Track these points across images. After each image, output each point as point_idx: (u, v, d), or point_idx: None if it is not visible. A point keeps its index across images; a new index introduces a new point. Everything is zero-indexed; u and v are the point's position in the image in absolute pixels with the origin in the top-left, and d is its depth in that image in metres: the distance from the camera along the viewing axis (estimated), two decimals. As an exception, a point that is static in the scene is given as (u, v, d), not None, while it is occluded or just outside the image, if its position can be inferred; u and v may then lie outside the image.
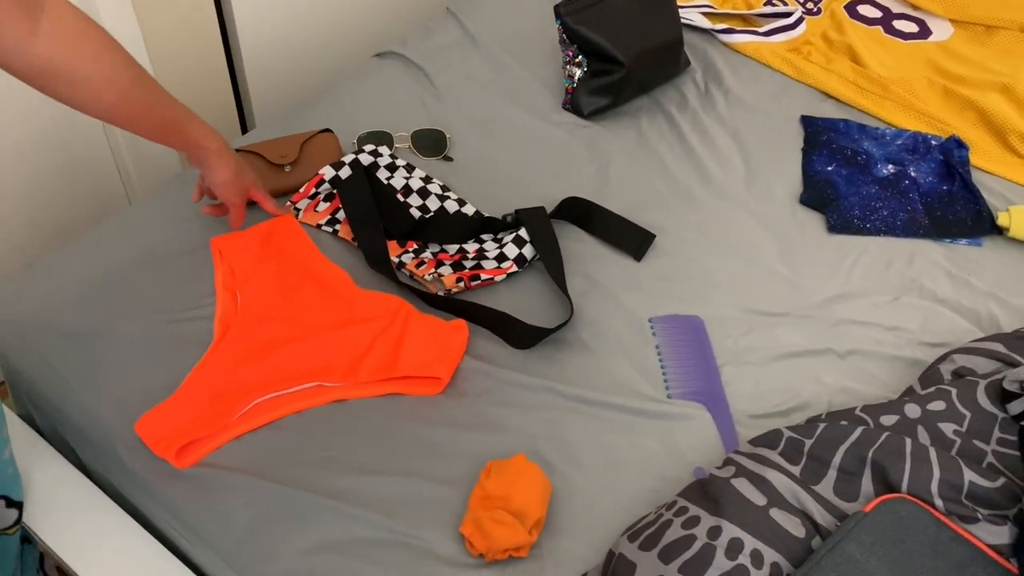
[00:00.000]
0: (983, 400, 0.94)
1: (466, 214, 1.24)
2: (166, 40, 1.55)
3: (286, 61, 1.78)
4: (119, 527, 0.99)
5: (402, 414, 1.03)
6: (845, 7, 1.68)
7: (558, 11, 1.38)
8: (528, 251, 1.19)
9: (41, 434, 1.12)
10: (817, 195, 1.32)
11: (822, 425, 0.93)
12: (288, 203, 1.25)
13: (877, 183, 1.34)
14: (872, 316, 1.17)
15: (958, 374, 1.01)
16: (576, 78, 1.42)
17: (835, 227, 1.28)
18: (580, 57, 1.41)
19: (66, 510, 1.00)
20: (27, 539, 1.08)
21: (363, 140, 1.34)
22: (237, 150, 1.28)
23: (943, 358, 1.04)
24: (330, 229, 1.22)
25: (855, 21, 1.64)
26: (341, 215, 1.23)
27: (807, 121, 1.44)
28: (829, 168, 1.36)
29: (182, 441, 0.97)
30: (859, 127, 1.43)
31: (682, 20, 1.61)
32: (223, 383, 1.02)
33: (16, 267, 1.50)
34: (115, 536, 0.98)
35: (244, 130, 1.80)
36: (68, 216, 1.56)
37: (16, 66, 0.83)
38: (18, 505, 0.94)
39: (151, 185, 1.62)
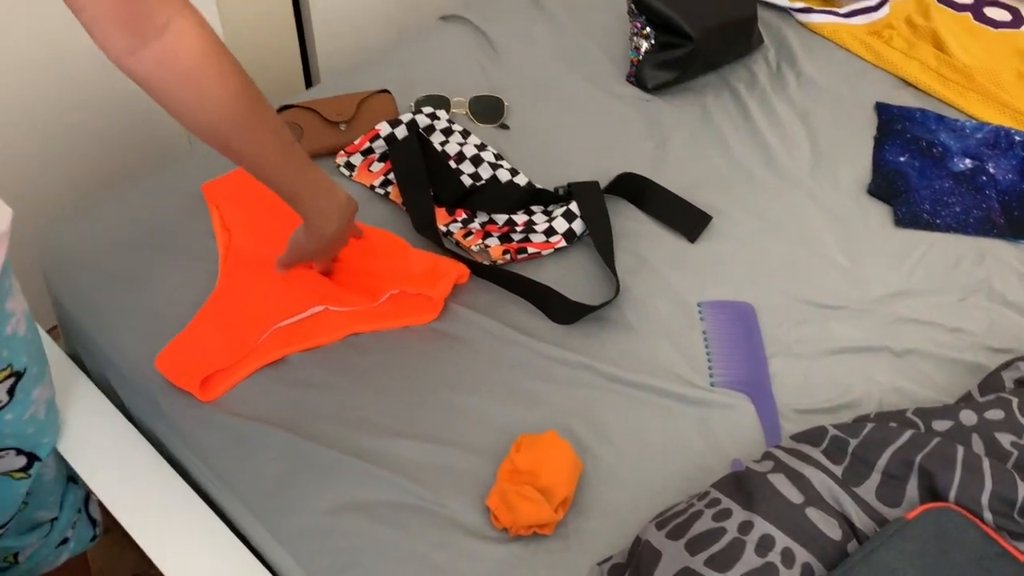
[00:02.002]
0: (1047, 412, 0.89)
1: (518, 184, 1.22)
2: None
3: (353, 19, 1.77)
4: (153, 469, 1.00)
5: (436, 381, 1.02)
6: (934, -9, 1.59)
7: (628, -20, 1.33)
8: (578, 226, 1.16)
9: (88, 374, 1.14)
10: (886, 186, 1.26)
11: (870, 425, 0.89)
12: (340, 153, 1.24)
13: (952, 177, 1.27)
14: (934, 316, 1.12)
15: (1021, 383, 0.96)
16: (642, 51, 1.38)
17: (903, 220, 1.22)
18: (648, 29, 1.37)
19: (104, 450, 1.01)
20: (72, 479, 1.10)
21: (421, 103, 1.32)
22: (294, 106, 1.27)
23: (1007, 364, 0.99)
24: (382, 191, 1.21)
25: (943, 6, 1.56)
26: (394, 177, 1.22)
27: (882, 108, 1.38)
28: (901, 159, 1.29)
29: (204, 372, 0.99)
30: (937, 117, 1.36)
31: (758, -4, 1.55)
32: (234, 315, 1.05)
33: (72, 209, 1.53)
34: (148, 478, 0.99)
35: (308, 85, 1.80)
36: (125, 161, 1.58)
37: (121, 69, 0.78)
38: (29, 456, 0.94)
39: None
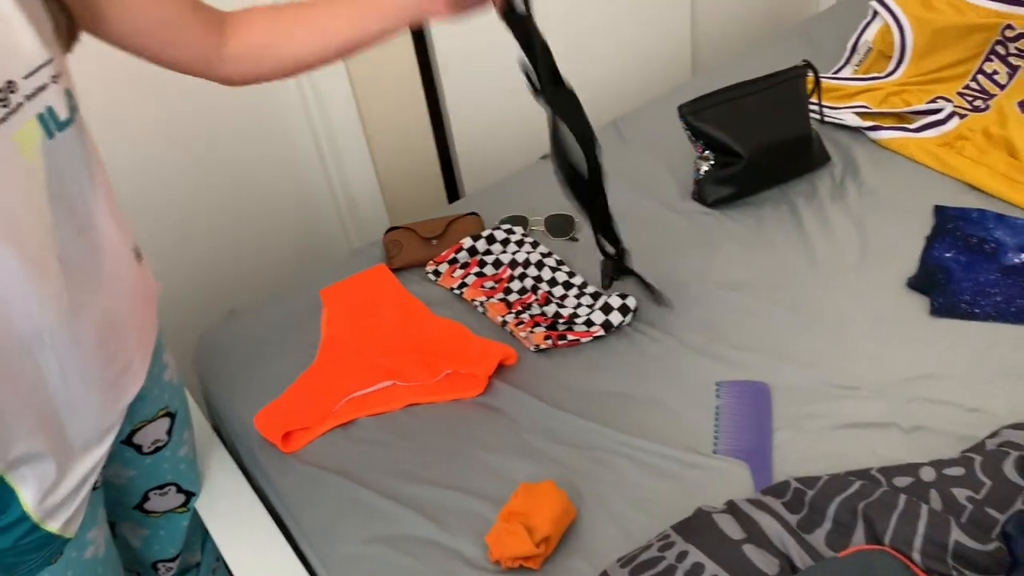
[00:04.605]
0: (1010, 471, 0.90)
1: (571, 282, 1.40)
2: (386, 139, 1.92)
3: (485, 153, 2.09)
4: (250, 508, 1.23)
5: (471, 441, 1.20)
6: (1020, 103, 1.62)
7: (681, 111, 1.52)
8: (615, 318, 1.31)
9: (223, 441, 1.42)
10: (926, 279, 1.30)
11: (825, 477, 0.95)
12: (430, 263, 1.49)
13: (1000, 270, 1.29)
14: (955, 397, 1.13)
15: (999, 447, 0.96)
16: (702, 171, 1.54)
17: (939, 310, 1.25)
18: (708, 151, 1.53)
19: (219, 492, 1.26)
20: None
21: (504, 221, 1.56)
22: (398, 228, 1.56)
23: (994, 433, 1.00)
24: (459, 292, 1.44)
25: (1026, 116, 1.59)
26: (469, 280, 1.45)
27: (940, 210, 1.42)
28: (947, 255, 1.33)
29: (286, 429, 1.23)
30: (996, 216, 1.38)
31: (833, 119, 1.66)
32: (319, 387, 1.29)
33: (221, 307, 1.89)
34: (245, 514, 1.22)
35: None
36: (268, 271, 1.95)
37: (216, 80, 0.96)
38: (187, 493, 1.21)
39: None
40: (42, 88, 0.77)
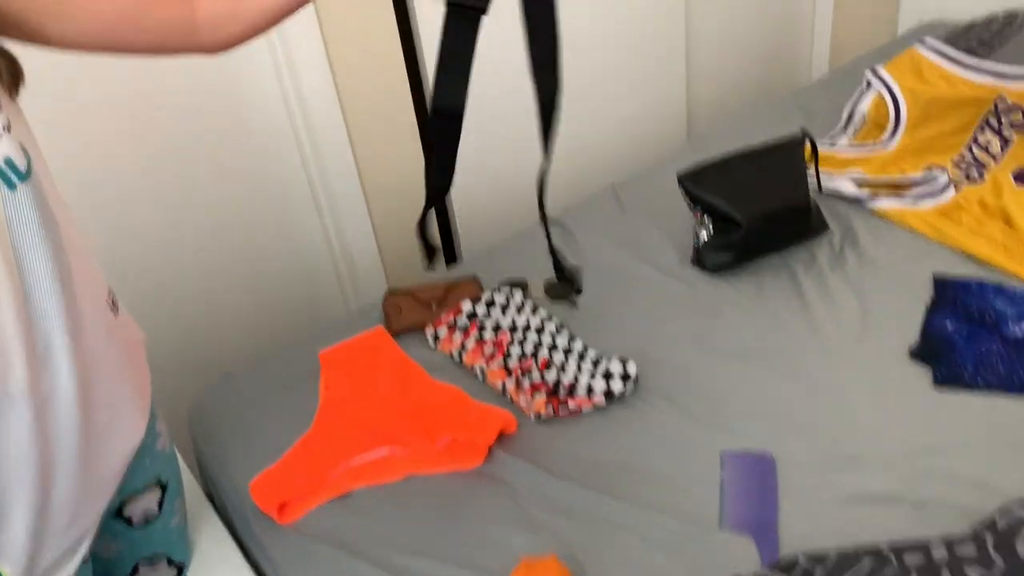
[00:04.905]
0: (1023, 550, 0.88)
1: (574, 348, 1.40)
2: (384, 199, 1.92)
3: (483, 215, 2.09)
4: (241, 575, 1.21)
5: (470, 512, 1.17)
6: (1013, 174, 1.65)
7: (680, 178, 1.53)
8: (616, 385, 1.30)
9: (215, 506, 1.39)
10: (928, 349, 1.29)
11: (834, 553, 0.93)
12: (429, 327, 1.48)
13: (1002, 342, 1.29)
14: (963, 470, 1.12)
15: (1010, 525, 0.95)
16: (701, 237, 1.54)
17: (942, 380, 1.24)
18: (706, 218, 1.54)
19: (210, 563, 1.23)
20: None
21: (503, 283, 1.55)
22: (398, 292, 1.55)
23: (1004, 509, 0.98)
24: (458, 359, 1.43)
25: (1021, 187, 1.60)
26: (469, 344, 1.44)
27: (939, 280, 1.43)
28: (949, 326, 1.33)
29: (281, 499, 1.20)
30: (996, 288, 1.39)
31: (831, 189, 1.68)
32: (318, 454, 1.27)
33: (218, 371, 1.86)
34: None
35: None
36: (265, 336, 1.93)
37: (198, 51, 0.90)
38: (178, 565, 1.17)
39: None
40: None
